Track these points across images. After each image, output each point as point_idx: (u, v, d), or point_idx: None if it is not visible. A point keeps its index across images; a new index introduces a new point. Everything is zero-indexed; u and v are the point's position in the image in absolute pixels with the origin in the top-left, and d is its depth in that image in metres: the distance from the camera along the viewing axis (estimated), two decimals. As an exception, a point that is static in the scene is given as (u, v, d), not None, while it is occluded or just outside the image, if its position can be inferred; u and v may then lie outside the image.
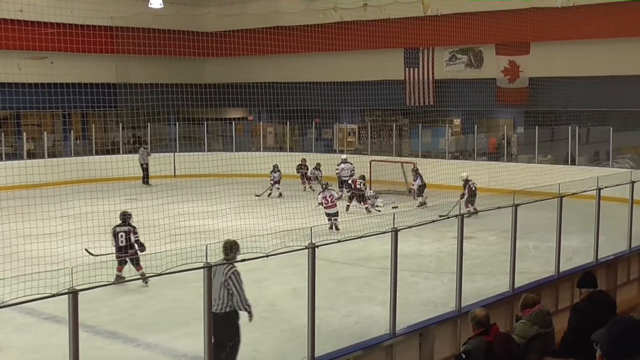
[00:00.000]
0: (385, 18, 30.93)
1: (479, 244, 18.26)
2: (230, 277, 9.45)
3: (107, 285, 7.21)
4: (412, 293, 13.31)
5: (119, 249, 14.58)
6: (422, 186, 24.91)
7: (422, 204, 24.29)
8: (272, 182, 27.17)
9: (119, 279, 13.42)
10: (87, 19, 30.71)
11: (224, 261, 9.29)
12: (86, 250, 14.95)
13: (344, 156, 28.94)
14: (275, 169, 27.26)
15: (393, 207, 23.17)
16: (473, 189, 23.18)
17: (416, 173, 25.20)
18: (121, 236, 14.64)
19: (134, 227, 14.96)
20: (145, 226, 17.07)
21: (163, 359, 10.88)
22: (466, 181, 23.41)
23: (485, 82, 31.10)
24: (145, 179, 30.00)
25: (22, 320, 12.05)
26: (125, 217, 15.04)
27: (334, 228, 19.55)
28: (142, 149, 30.91)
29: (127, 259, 14.31)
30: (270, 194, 26.85)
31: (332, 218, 20.27)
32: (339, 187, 26.50)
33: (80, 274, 7.11)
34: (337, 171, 27.62)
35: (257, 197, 25.98)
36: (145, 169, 30.21)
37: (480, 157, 30.54)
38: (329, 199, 20.74)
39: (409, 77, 32.63)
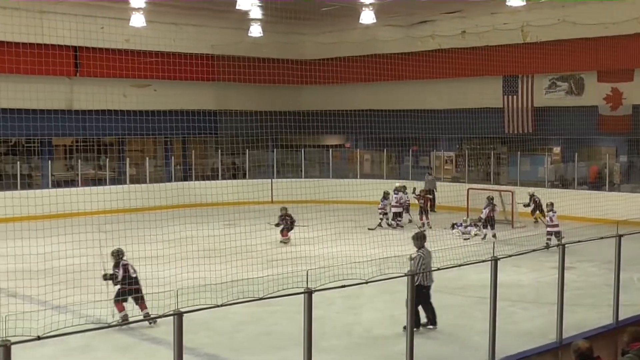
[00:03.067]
0: (483, 45, 30.71)
1: (579, 275, 17.80)
2: None
3: (212, 308, 7.36)
4: (511, 323, 13.07)
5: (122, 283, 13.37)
6: (492, 218, 23.77)
7: (491, 236, 23.10)
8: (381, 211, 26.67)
9: (124, 319, 12.54)
10: (188, 47, 31.55)
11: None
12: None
13: (398, 184, 28.02)
14: (386, 195, 26.96)
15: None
16: (537, 201, 25.71)
17: (489, 202, 24.02)
18: (126, 268, 13.60)
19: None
20: (243, 251, 17.36)
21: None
22: (532, 195, 25.83)
23: (586, 109, 30.40)
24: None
25: (124, 340, 12.37)
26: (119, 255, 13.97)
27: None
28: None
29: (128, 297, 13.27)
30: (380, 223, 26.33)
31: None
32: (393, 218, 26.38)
33: (184, 296, 7.32)
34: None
35: (370, 230, 25.46)
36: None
37: (580, 187, 29.79)
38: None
39: (508, 104, 32.21)
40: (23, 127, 28.00)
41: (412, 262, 12.13)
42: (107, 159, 32.40)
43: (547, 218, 22.36)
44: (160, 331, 12.11)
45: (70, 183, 31.15)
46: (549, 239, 20.58)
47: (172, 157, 34.39)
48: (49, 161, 30.86)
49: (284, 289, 7.70)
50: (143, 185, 29.28)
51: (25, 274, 15.26)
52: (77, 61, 30.78)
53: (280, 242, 22.19)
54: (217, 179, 32.99)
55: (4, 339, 5.91)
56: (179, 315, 6.82)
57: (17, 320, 6.37)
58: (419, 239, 12.92)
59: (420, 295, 11.63)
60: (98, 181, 31.80)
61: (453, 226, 24.67)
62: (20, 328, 6.21)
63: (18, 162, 29.23)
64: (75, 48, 30.06)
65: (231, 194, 27.99)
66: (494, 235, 22.96)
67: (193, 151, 33.74)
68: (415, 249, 12.75)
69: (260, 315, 13.75)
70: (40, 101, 27.93)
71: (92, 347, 11.89)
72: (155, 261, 16.33)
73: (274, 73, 32.42)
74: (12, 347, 5.99)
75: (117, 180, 31.58)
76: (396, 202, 26.40)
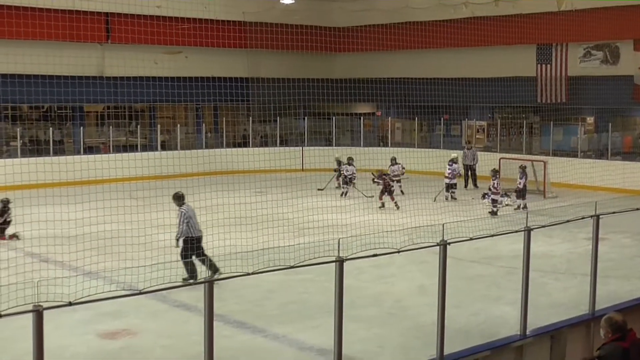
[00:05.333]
0: (517, 13, 30.24)
1: (612, 246, 17.60)
2: None
3: (242, 275, 7.35)
4: (542, 294, 12.96)
5: None
6: (524, 188, 23.58)
7: (521, 207, 22.98)
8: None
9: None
10: (220, 14, 31.44)
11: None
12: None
13: (454, 154, 27.43)
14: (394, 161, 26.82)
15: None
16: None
17: (523, 171, 23.81)
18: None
19: None
20: (274, 219, 17.37)
21: (290, 350, 11.00)
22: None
23: (621, 79, 29.94)
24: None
25: (156, 307, 12.46)
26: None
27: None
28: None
29: None
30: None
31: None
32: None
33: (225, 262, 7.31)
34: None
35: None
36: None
37: (614, 157, 29.41)
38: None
39: (541, 73, 31.79)
40: (55, 93, 28.17)
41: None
42: (138, 126, 32.52)
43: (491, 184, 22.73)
44: (191, 297, 12.16)
45: (101, 149, 31.38)
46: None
47: (203, 124, 34.45)
48: (81, 127, 31.06)
49: (314, 258, 7.67)
50: (174, 152, 29.41)
51: (57, 240, 15.39)
52: (108, 27, 30.81)
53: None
54: (248, 146, 33.02)
55: (36, 304, 5.96)
56: (209, 283, 6.82)
57: (49, 285, 6.41)
58: (178, 199, 14.61)
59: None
60: (129, 147, 31.95)
61: (484, 196, 24.44)
62: (52, 294, 6.26)
63: (50, 129, 29.46)
64: (106, 14, 30.10)
65: (262, 162, 28.01)
66: (525, 206, 22.76)
67: (224, 118, 33.75)
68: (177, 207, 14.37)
69: (290, 283, 13.78)
70: (72, 67, 28.09)
71: (123, 313, 12.00)
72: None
73: (305, 40, 32.20)
74: (45, 312, 6.04)
75: (148, 147, 31.72)
76: (450, 174, 25.71)
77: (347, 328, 7.84)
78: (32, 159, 26.28)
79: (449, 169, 25.68)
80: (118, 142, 31.56)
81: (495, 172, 23.45)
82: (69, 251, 13.31)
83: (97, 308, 10.26)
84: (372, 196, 24.28)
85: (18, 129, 29.26)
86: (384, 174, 24.08)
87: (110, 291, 7.06)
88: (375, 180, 23.96)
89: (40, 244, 15.90)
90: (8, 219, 18.28)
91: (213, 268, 11.01)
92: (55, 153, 28.66)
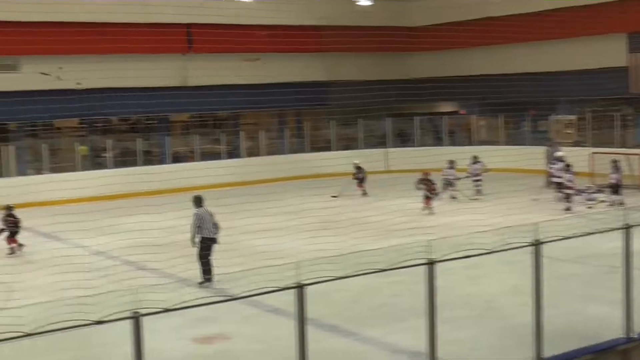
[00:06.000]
0: (604, 2, 29.37)
1: None
2: None
3: (333, 280, 7.33)
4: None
5: None
6: (618, 184, 22.56)
7: (616, 203, 21.99)
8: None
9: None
10: (296, 20, 31.60)
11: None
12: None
13: (560, 153, 25.79)
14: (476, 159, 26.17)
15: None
16: None
17: (615, 166, 22.86)
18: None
19: None
20: (358, 223, 17.31)
21: (382, 353, 10.92)
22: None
23: None
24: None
25: (248, 311, 12.51)
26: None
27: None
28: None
29: None
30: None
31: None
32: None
33: (305, 268, 7.31)
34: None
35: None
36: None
37: None
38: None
39: (634, 63, 30.71)
40: (141, 105, 28.85)
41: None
42: (223, 134, 32.92)
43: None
44: (282, 302, 12.20)
45: (187, 158, 31.88)
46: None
47: (286, 130, 34.63)
48: (167, 137, 31.64)
49: (404, 261, 7.59)
50: (259, 158, 29.64)
51: (150, 249, 15.66)
52: (189, 38, 31.31)
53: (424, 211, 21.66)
54: (331, 149, 33.04)
55: (134, 311, 6.11)
56: (300, 288, 6.83)
57: (146, 292, 6.57)
58: (196, 202, 14.81)
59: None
60: (214, 155, 32.36)
61: (577, 193, 23.66)
62: (149, 300, 6.40)
63: (138, 139, 30.10)
64: (187, 25, 30.62)
65: (344, 165, 27.99)
66: (622, 202, 22.00)
67: (306, 122, 33.86)
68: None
69: (379, 286, 13.68)
70: (157, 79, 28.72)
71: (217, 318, 12.10)
72: (273, 233, 16.45)
73: (383, 41, 32.10)
74: (142, 318, 6.25)
75: (233, 154, 32.06)
76: (557, 173, 24.27)
77: (439, 329, 7.72)
78: (123, 170, 26.96)
79: (555, 167, 24.30)
80: (203, 150, 32.01)
81: (568, 167, 22.69)
82: (161, 259, 13.54)
83: (192, 313, 10.37)
84: (476, 199, 23.83)
85: (109, 141, 30.02)
86: (426, 179, 22.58)
87: (204, 297, 7.16)
88: (418, 186, 22.58)
89: (136, 253, 16.19)
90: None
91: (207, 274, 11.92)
92: (144, 163, 29.27)
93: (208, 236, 14.53)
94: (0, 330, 6.31)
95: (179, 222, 14.53)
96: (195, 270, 13.60)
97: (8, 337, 6.08)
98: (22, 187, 22.25)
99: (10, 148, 27.53)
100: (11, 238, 17.91)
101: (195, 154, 31.39)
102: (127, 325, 6.25)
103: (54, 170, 27.69)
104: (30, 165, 29.59)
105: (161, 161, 30.94)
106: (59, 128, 32.04)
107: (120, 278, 10.67)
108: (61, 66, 28.80)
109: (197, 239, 14.59)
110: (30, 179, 25.10)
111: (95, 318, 6.22)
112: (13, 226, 17.85)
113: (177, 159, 31.61)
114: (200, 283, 13.77)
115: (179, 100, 30.38)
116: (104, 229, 16.91)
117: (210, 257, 14.36)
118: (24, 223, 18.20)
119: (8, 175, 27.07)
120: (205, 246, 14.44)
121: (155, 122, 32.69)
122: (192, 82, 31.51)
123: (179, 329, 11.57)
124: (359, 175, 26.03)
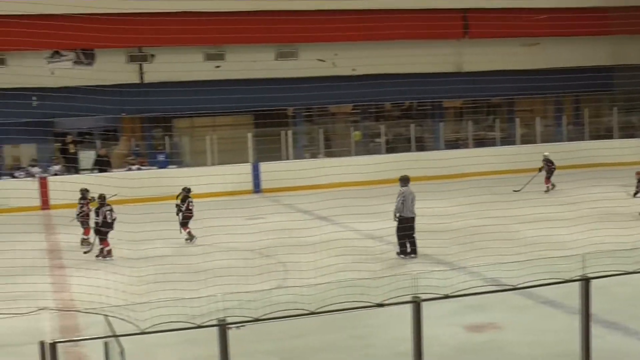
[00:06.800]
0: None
1: None
2: None
3: (620, 275, 6.92)
4: None
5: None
6: None
7: None
8: None
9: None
10: (578, 1, 30.38)
11: None
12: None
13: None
14: None
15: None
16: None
17: None
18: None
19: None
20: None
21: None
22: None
23: None
24: None
25: (521, 302, 12.23)
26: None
27: None
28: None
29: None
30: None
31: None
32: None
33: (592, 261, 6.98)
34: None
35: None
36: None
37: None
38: None
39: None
40: (414, 91, 29.16)
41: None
42: (497, 120, 32.40)
43: None
44: (557, 294, 11.79)
45: (459, 144, 31.77)
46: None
47: (563, 117, 33.38)
48: (440, 123, 31.73)
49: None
50: (533, 145, 28.88)
51: (430, 234, 15.62)
52: (465, 23, 31.10)
53: None
54: (612, 137, 31.31)
55: (414, 295, 6.18)
56: (585, 281, 6.53)
57: (426, 278, 6.64)
58: (403, 180, 15.74)
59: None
60: (487, 142, 32.00)
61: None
62: (429, 286, 6.46)
63: (411, 125, 30.46)
64: (464, 10, 30.47)
65: (628, 155, 26.44)
66: None
67: (585, 109, 32.38)
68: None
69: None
70: (430, 65, 28.92)
71: (488, 307, 11.93)
72: (549, 224, 15.88)
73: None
74: (422, 303, 6.33)
75: (507, 141, 31.47)
76: None
77: None
78: (396, 155, 27.44)
79: None
80: (477, 137, 31.74)
81: None
82: (439, 245, 13.55)
83: (464, 301, 10.29)
84: None
85: (381, 126, 30.67)
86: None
87: (481, 286, 7.08)
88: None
89: (423, 238, 16.08)
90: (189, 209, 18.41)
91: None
92: (417, 149, 29.57)
93: (407, 215, 15.28)
94: (282, 308, 6.65)
95: (452, 209, 14.47)
96: (470, 259, 13.49)
97: (291, 314, 6.37)
98: (299, 171, 23.26)
99: (289, 133, 28.98)
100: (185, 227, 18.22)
101: (469, 140, 31.21)
102: (398, 309, 6.31)
103: (329, 155, 28.80)
104: (307, 149, 31.01)
105: (434, 147, 31.10)
106: (334, 113, 33.28)
107: (396, 263, 10.82)
108: (336, 53, 29.89)
109: (397, 215, 15.39)
110: (306, 162, 26.22)
111: (376, 301, 6.39)
112: (188, 212, 18.24)
113: (450, 145, 31.60)
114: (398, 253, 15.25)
115: (453, 86, 30.29)
116: (379, 215, 17.15)
117: (413, 235, 15.27)
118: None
119: (287, 158, 28.54)
120: (404, 226, 15.25)
121: (428, 107, 32.89)
122: (467, 67, 31.30)
123: (451, 315, 11.53)
124: (551, 168, 24.15)
